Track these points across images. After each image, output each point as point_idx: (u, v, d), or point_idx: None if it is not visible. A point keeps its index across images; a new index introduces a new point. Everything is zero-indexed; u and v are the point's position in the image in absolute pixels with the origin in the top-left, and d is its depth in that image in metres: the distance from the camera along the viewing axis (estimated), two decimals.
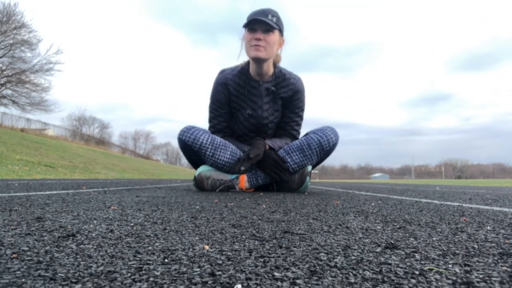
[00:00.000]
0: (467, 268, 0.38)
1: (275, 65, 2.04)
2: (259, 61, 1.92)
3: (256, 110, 2.06)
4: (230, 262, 0.39)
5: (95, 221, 0.68)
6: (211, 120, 2.13)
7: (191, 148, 1.96)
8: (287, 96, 2.06)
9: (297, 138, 2.18)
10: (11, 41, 15.73)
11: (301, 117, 2.17)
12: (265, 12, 1.87)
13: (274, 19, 1.87)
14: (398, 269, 0.38)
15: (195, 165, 2.10)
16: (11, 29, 15.51)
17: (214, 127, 2.13)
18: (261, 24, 1.85)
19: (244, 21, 1.91)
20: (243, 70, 2.03)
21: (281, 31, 1.94)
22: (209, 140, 1.95)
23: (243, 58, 2.08)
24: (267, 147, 1.99)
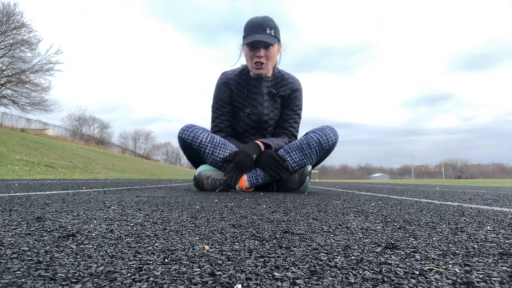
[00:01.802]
0: (467, 268, 0.38)
1: (274, 66, 2.12)
2: (261, 77, 2.04)
3: (256, 107, 2.12)
4: (230, 262, 0.39)
5: (95, 221, 0.68)
6: (214, 119, 2.18)
7: (190, 146, 1.98)
8: (285, 94, 2.14)
9: (295, 136, 2.22)
10: (11, 41, 15.73)
11: (299, 115, 2.21)
12: (263, 26, 1.93)
13: (273, 32, 1.94)
14: (398, 269, 0.38)
15: (195, 164, 2.11)
16: (11, 29, 15.51)
17: (217, 126, 2.16)
18: (261, 42, 1.92)
19: (240, 25, 2.05)
20: (243, 71, 2.11)
21: (279, 40, 2.02)
22: (208, 139, 1.97)
23: (241, 63, 2.16)
24: (262, 146, 2.00)
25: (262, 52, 1.94)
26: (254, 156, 1.96)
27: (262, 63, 1.96)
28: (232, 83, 2.11)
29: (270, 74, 2.10)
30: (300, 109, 2.20)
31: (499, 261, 0.42)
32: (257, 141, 2.01)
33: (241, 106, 2.13)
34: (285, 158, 1.97)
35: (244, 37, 1.97)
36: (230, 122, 2.18)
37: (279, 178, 2.00)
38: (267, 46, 1.94)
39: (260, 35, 1.90)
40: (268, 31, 1.92)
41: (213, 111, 2.17)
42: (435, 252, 0.46)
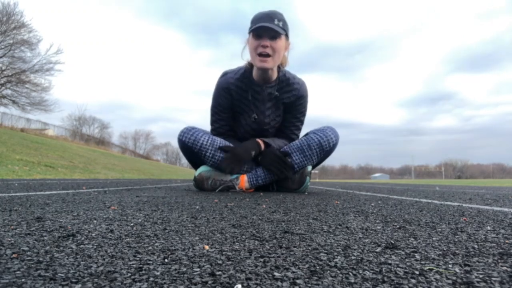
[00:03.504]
0: (467, 268, 0.38)
1: (279, 68, 1.98)
2: (265, 71, 1.89)
3: (258, 115, 2.03)
4: (230, 262, 0.39)
5: (95, 221, 0.68)
6: (213, 123, 2.12)
7: (191, 149, 1.96)
8: (289, 102, 2.02)
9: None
10: (11, 41, 15.74)
11: (301, 122, 2.15)
12: (271, 17, 1.79)
13: (281, 24, 1.79)
14: (398, 269, 0.38)
15: (195, 165, 2.10)
16: (11, 29, 15.52)
17: (216, 130, 2.11)
18: (267, 31, 1.78)
19: (248, 23, 1.86)
20: (245, 73, 1.98)
21: (287, 35, 1.88)
22: (209, 142, 1.95)
23: (245, 59, 2.01)
24: (262, 145, 1.98)
25: (267, 42, 1.78)
26: (253, 152, 1.94)
27: (267, 55, 1.80)
28: (233, 88, 1.98)
29: (275, 76, 1.97)
30: (304, 115, 2.12)
31: (499, 261, 0.42)
32: (258, 140, 2.00)
33: (242, 111, 2.05)
34: (288, 152, 1.95)
35: (250, 28, 1.81)
36: (229, 126, 2.12)
37: (284, 178, 1.97)
38: (274, 37, 1.78)
39: (267, 23, 1.75)
40: (276, 22, 1.77)
41: (212, 114, 2.09)
42: (435, 252, 0.46)
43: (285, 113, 2.08)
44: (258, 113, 2.03)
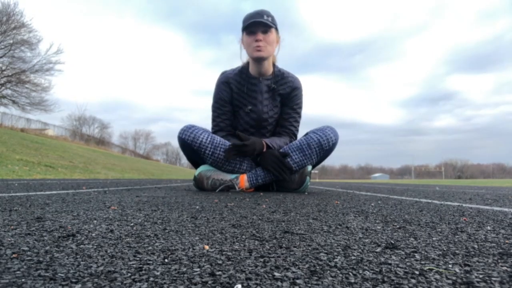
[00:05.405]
0: (467, 268, 0.38)
1: (274, 64, 2.13)
2: (261, 60, 2.01)
3: (256, 105, 2.12)
4: (230, 262, 0.39)
5: (95, 221, 0.68)
6: (214, 119, 2.18)
7: (190, 146, 1.98)
8: (285, 92, 2.14)
9: (295, 134, 2.22)
10: (11, 41, 15.75)
11: (299, 114, 2.21)
12: (260, 14, 1.96)
13: (270, 19, 1.97)
14: (398, 269, 0.38)
15: (195, 164, 2.11)
16: (11, 29, 15.52)
17: (218, 126, 2.16)
18: (259, 26, 1.94)
19: (241, 24, 2.03)
20: (243, 69, 2.12)
21: (277, 30, 2.04)
22: (208, 139, 1.97)
23: (244, 60, 2.18)
24: (264, 145, 1.99)
25: (260, 36, 1.95)
26: (256, 151, 1.96)
27: (261, 46, 1.96)
28: (232, 82, 2.11)
29: (270, 70, 2.10)
30: (300, 108, 2.21)
31: (499, 261, 0.42)
32: (262, 140, 2.01)
33: (241, 104, 2.14)
34: (287, 152, 1.97)
35: (243, 28, 2.00)
36: (230, 121, 2.18)
37: (282, 179, 1.99)
38: (265, 30, 1.95)
39: (257, 19, 1.93)
40: (265, 17, 1.95)
41: (214, 111, 2.18)
42: (435, 252, 0.46)
43: (282, 105, 2.18)
44: (257, 103, 2.12)
